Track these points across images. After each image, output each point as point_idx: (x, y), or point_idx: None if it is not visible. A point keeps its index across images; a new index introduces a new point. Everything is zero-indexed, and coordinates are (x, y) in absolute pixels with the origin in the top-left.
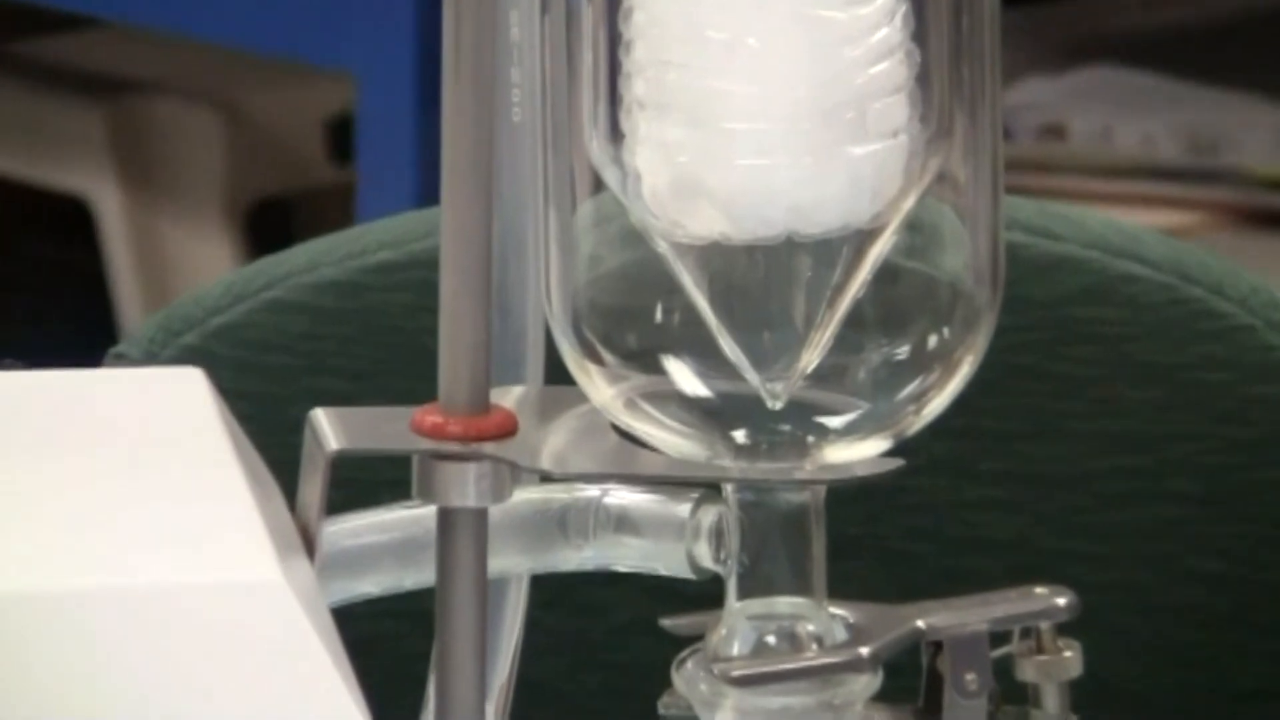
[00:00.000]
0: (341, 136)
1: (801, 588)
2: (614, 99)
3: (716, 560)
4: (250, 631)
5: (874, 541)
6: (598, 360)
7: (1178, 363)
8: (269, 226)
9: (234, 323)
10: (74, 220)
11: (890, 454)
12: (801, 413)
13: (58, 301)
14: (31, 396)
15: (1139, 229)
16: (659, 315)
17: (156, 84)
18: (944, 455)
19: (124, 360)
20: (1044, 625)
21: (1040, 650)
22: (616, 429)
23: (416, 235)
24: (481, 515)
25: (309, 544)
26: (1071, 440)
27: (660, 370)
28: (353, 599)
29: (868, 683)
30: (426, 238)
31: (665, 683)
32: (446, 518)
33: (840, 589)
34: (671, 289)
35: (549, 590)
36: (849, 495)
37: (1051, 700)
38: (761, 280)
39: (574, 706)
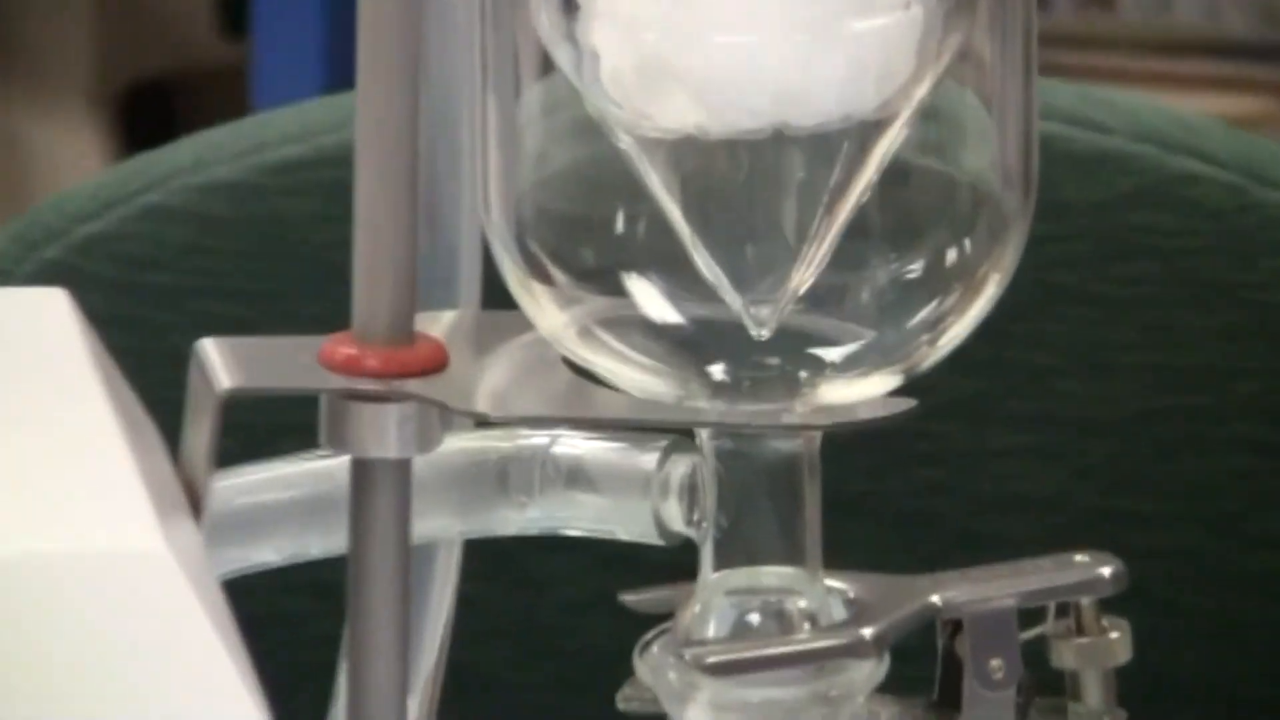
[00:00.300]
0: (233, 7)
1: (791, 555)
2: None
3: (689, 522)
4: (125, 610)
5: (880, 500)
6: (546, 280)
7: (1246, 281)
8: (147, 115)
9: (105, 233)
10: None
11: (900, 393)
12: (792, 343)
13: None
14: None
15: (1201, 118)
16: (620, 225)
17: None
18: (965, 395)
19: None
20: (1085, 600)
21: (1080, 631)
22: (568, 363)
23: (325, 127)
24: (404, 468)
25: (195, 502)
26: (1119, 376)
27: (621, 292)
28: (249, 569)
29: (872, 671)
30: (337, 130)
31: (626, 671)
32: (362, 471)
33: (839, 557)
34: (636, 193)
35: (486, 559)
36: (850, 444)
37: (1094, 691)
38: (744, 183)
39: (517, 700)
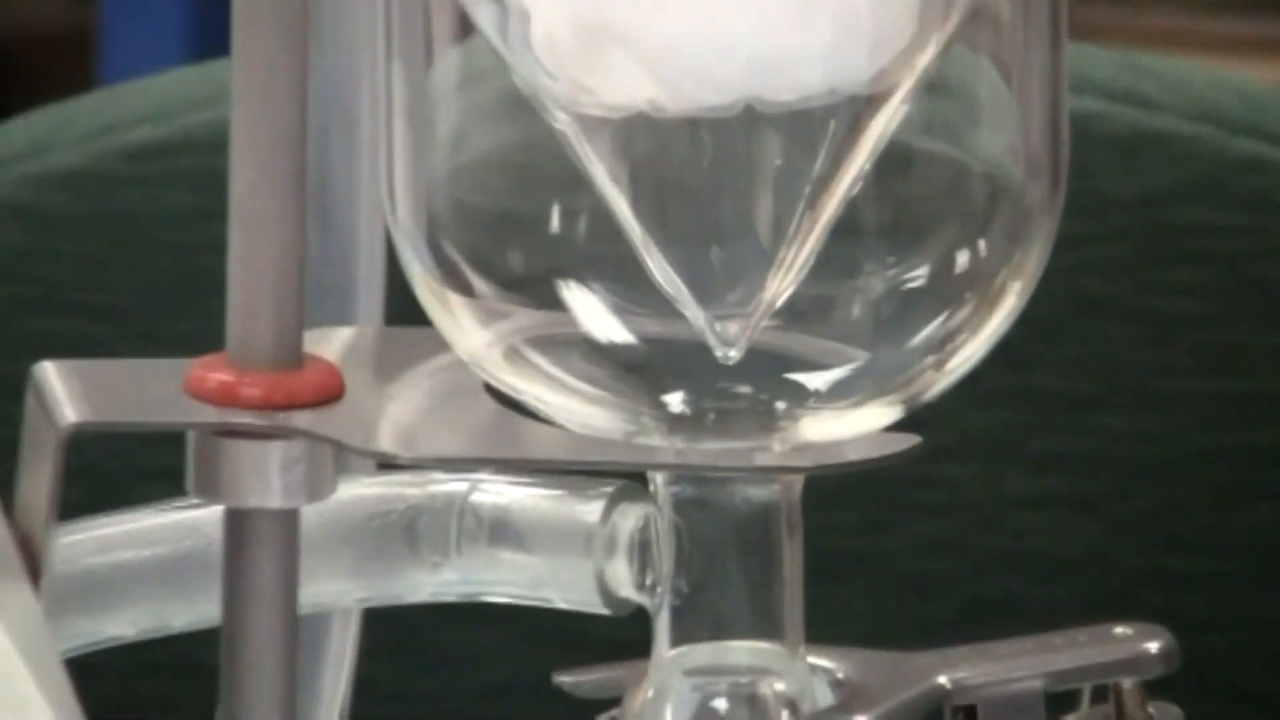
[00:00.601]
0: None
1: (766, 627)
2: None
3: (640, 587)
4: None
5: (876, 559)
6: (465, 289)
7: None
8: None
9: None
10: None
11: (900, 429)
12: (768, 367)
13: None
14: None
15: (1270, 91)
16: (556, 223)
17: None
18: (980, 431)
19: None
20: (1127, 683)
21: (1122, 718)
22: (492, 391)
23: (191, 103)
24: (291, 520)
25: (32, 563)
26: (1172, 407)
27: (557, 304)
28: (99, 644)
29: None
30: (206, 107)
31: None
32: (238, 525)
33: (828, 628)
34: (575, 184)
35: (391, 632)
36: (840, 491)
37: None
38: (708, 171)
39: None
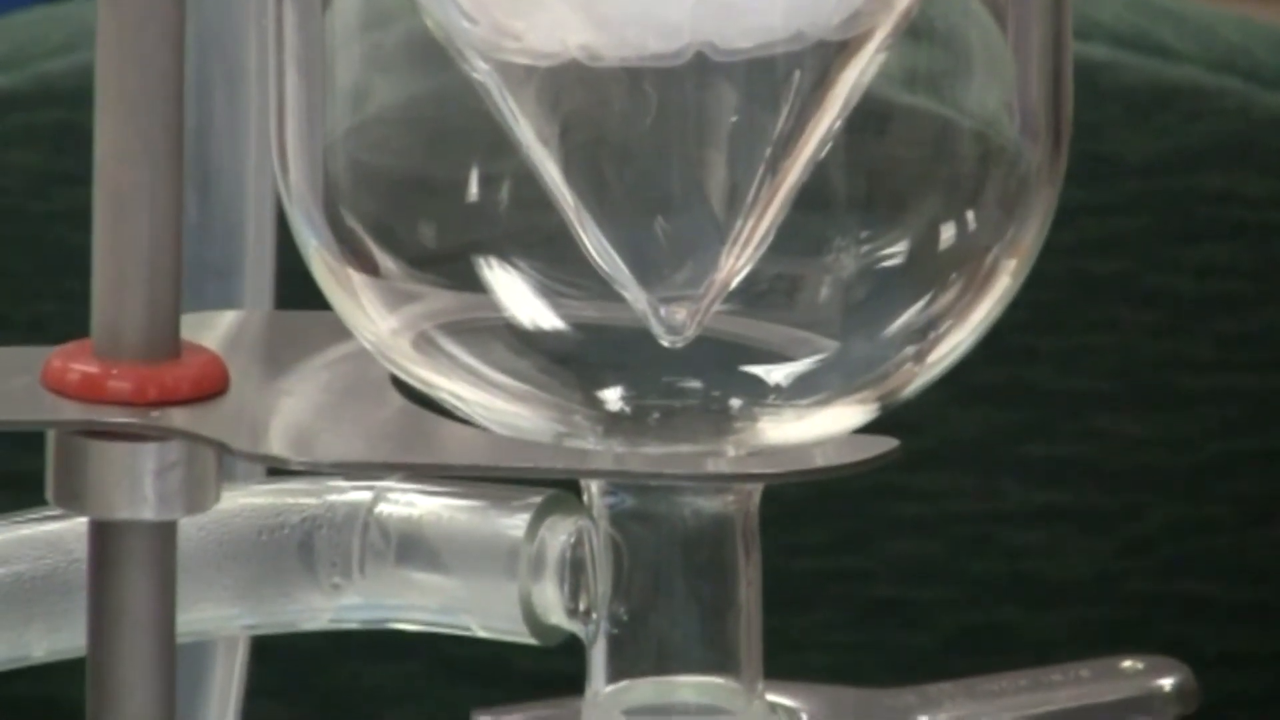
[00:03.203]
0: None
1: (719, 660)
2: None
3: (572, 613)
4: None
5: (848, 583)
6: (369, 268)
7: None
8: None
9: None
10: None
11: (875, 431)
12: (721, 359)
13: None
14: None
15: None
16: (474, 189)
17: None
18: (970, 434)
19: None
20: None
21: None
22: (400, 386)
23: (48, 46)
24: (167, 535)
25: None
26: (1192, 408)
27: (476, 285)
28: None
29: None
30: (65, 53)
31: None
32: (106, 539)
33: (790, 661)
34: (497, 144)
35: (285, 664)
36: (806, 504)
37: None
38: (652, 130)
39: None
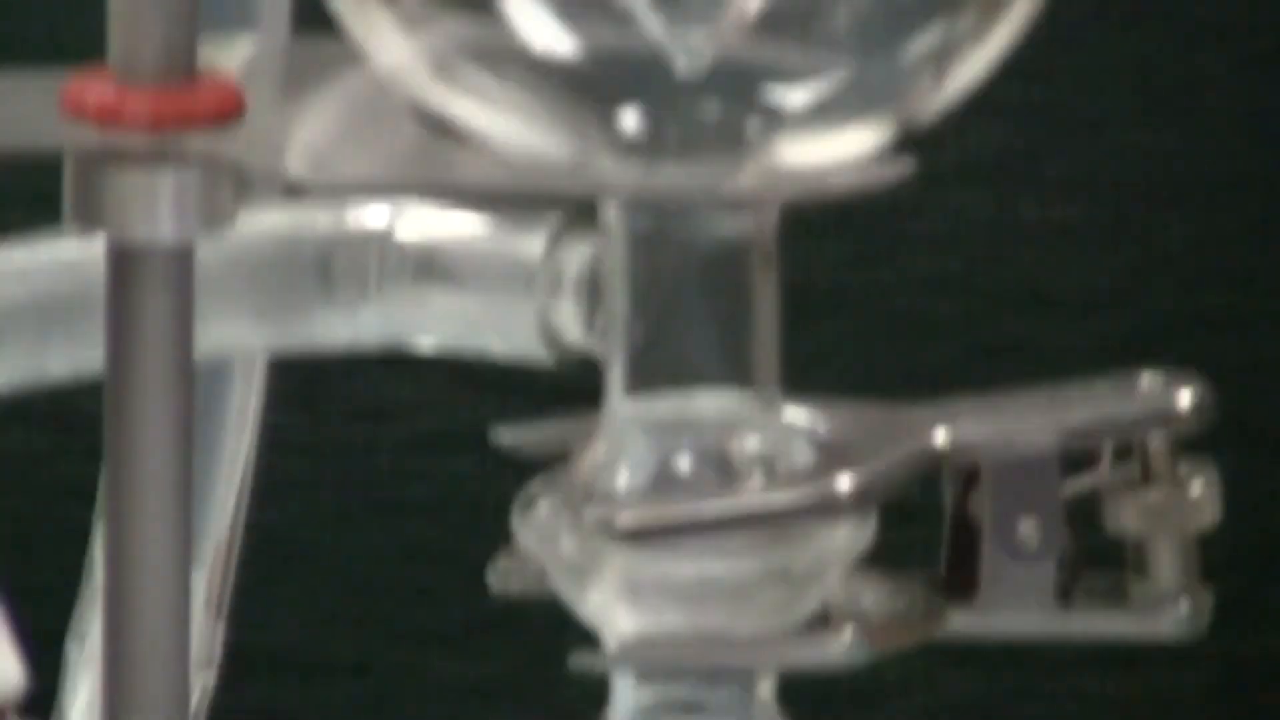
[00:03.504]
0: None
1: (736, 374)
2: None
3: (589, 329)
4: None
5: (864, 295)
6: None
7: None
8: None
9: None
10: None
11: (892, 148)
12: (738, 80)
13: None
14: None
15: None
16: None
17: None
18: (989, 150)
19: None
20: (1154, 438)
21: (1148, 481)
22: (418, 111)
23: None
24: (184, 257)
25: None
26: (1212, 122)
27: (493, 9)
28: None
29: (850, 538)
30: None
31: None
32: (124, 261)
33: (807, 375)
34: None
35: (302, 381)
36: (824, 224)
37: (1166, 564)
38: None
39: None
